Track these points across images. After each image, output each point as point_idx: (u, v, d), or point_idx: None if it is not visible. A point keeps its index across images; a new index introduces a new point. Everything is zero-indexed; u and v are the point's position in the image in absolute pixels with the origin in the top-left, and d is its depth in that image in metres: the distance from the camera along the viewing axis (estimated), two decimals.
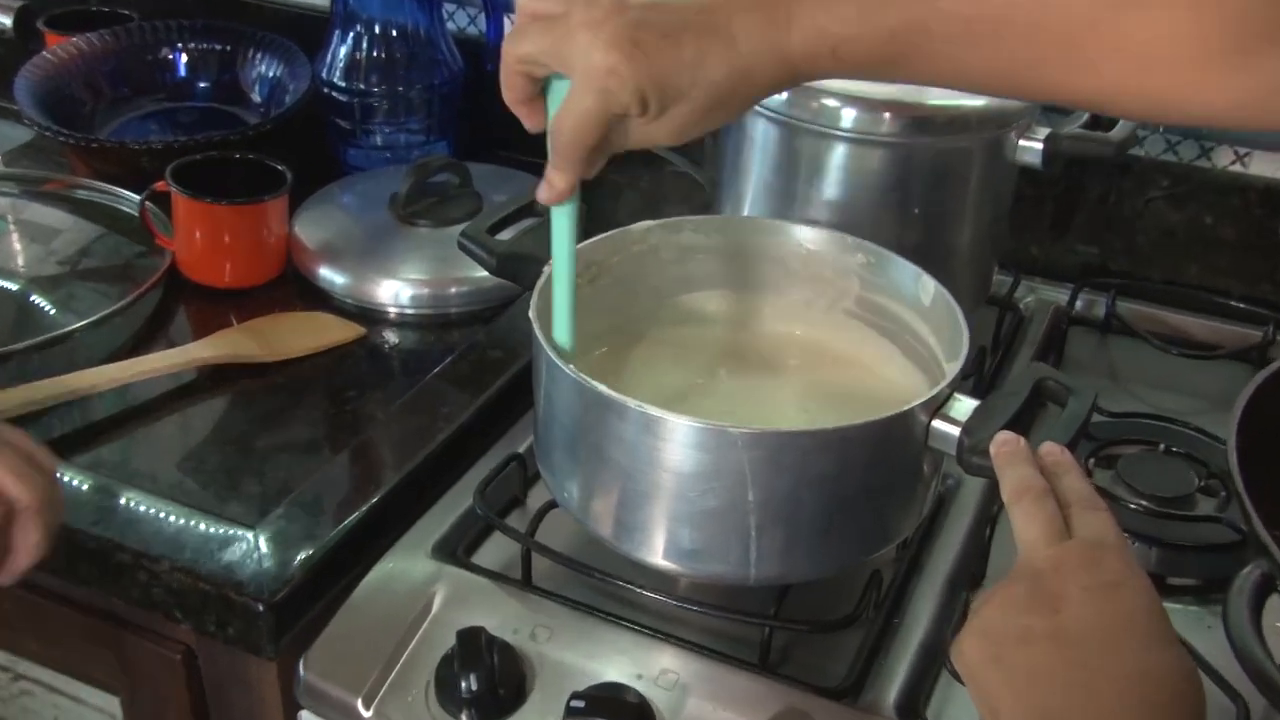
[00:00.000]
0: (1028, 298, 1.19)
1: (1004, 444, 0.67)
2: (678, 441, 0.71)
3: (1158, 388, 1.09)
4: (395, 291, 1.10)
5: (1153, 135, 1.16)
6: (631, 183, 1.34)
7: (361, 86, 1.28)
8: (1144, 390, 1.09)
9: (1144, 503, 0.89)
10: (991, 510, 0.88)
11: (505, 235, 0.89)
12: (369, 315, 1.09)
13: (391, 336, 1.07)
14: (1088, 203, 1.20)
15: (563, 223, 0.75)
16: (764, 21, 0.65)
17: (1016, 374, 0.77)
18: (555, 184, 0.70)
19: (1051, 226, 1.22)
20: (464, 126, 1.35)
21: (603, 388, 0.72)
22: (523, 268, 0.86)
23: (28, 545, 0.69)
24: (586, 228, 0.91)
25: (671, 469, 0.72)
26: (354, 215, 1.18)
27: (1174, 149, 1.17)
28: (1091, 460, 0.94)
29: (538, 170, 1.25)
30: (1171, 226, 1.18)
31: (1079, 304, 1.15)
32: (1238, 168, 1.15)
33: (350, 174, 1.28)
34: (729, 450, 0.70)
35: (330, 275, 1.11)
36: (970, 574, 0.86)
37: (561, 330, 0.78)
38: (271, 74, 1.39)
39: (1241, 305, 1.15)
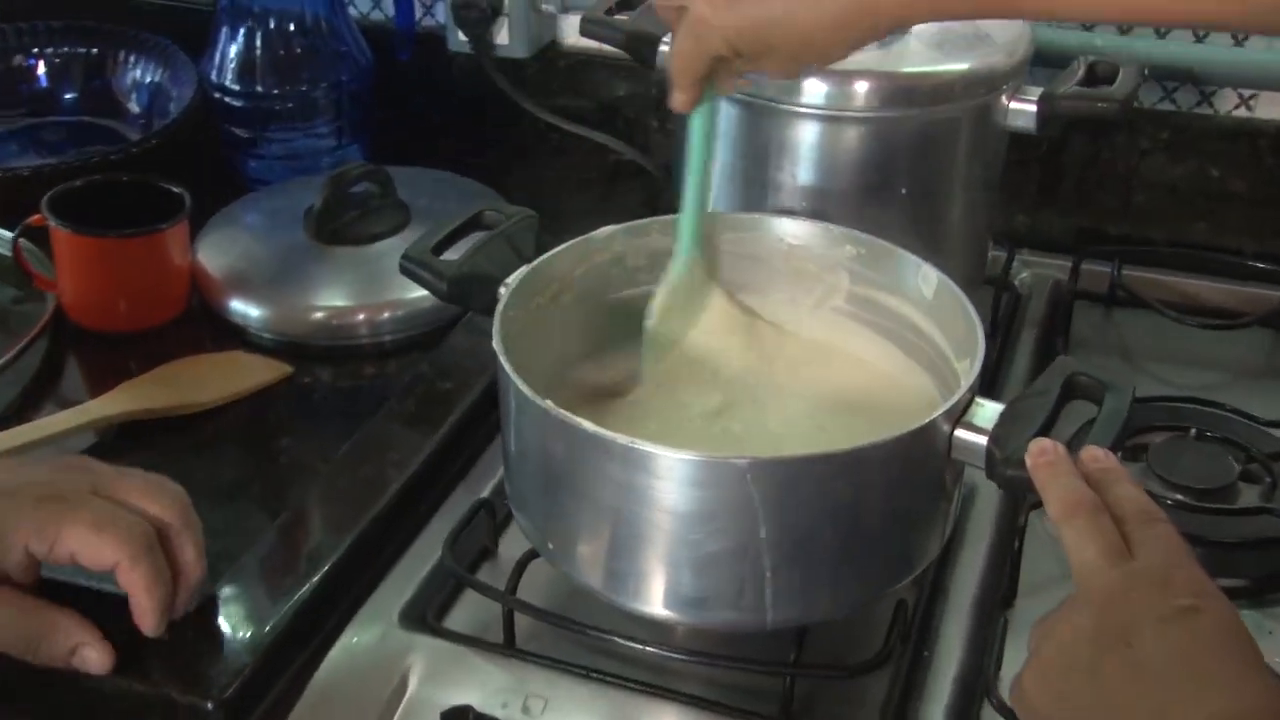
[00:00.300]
0: (1022, 274, 1.20)
1: (1042, 454, 0.68)
2: (675, 479, 0.71)
3: (1176, 363, 1.10)
4: (321, 321, 1.08)
5: (1145, 83, 1.17)
6: (572, 176, 1.33)
7: (258, 88, 1.26)
8: (1161, 367, 1.10)
9: (1179, 496, 0.90)
10: (1018, 520, 0.88)
11: (452, 254, 0.87)
12: (293, 350, 1.07)
13: (322, 373, 1.06)
14: (1077, 163, 1.21)
15: (695, 125, 0.86)
16: None
17: (1025, 370, 0.76)
18: (675, 99, 0.84)
19: (1039, 192, 1.24)
20: (378, 127, 1.33)
21: (585, 423, 0.71)
22: (477, 290, 0.85)
23: (190, 561, 0.76)
24: (540, 239, 0.91)
25: (669, 509, 0.72)
26: (264, 237, 1.16)
27: (1170, 96, 1.18)
28: (1118, 452, 0.94)
29: (464, 169, 1.28)
30: (1173, 182, 1.20)
31: (1079, 276, 1.16)
32: (1243, 112, 1.17)
33: (254, 189, 1.26)
34: (735, 484, 0.70)
35: (243, 308, 1.09)
36: (1001, 593, 0.86)
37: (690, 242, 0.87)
38: (150, 79, 1.37)
39: (1259, 264, 1.16)
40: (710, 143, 0.86)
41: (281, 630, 0.80)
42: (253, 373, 1.04)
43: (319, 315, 1.08)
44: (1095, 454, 0.67)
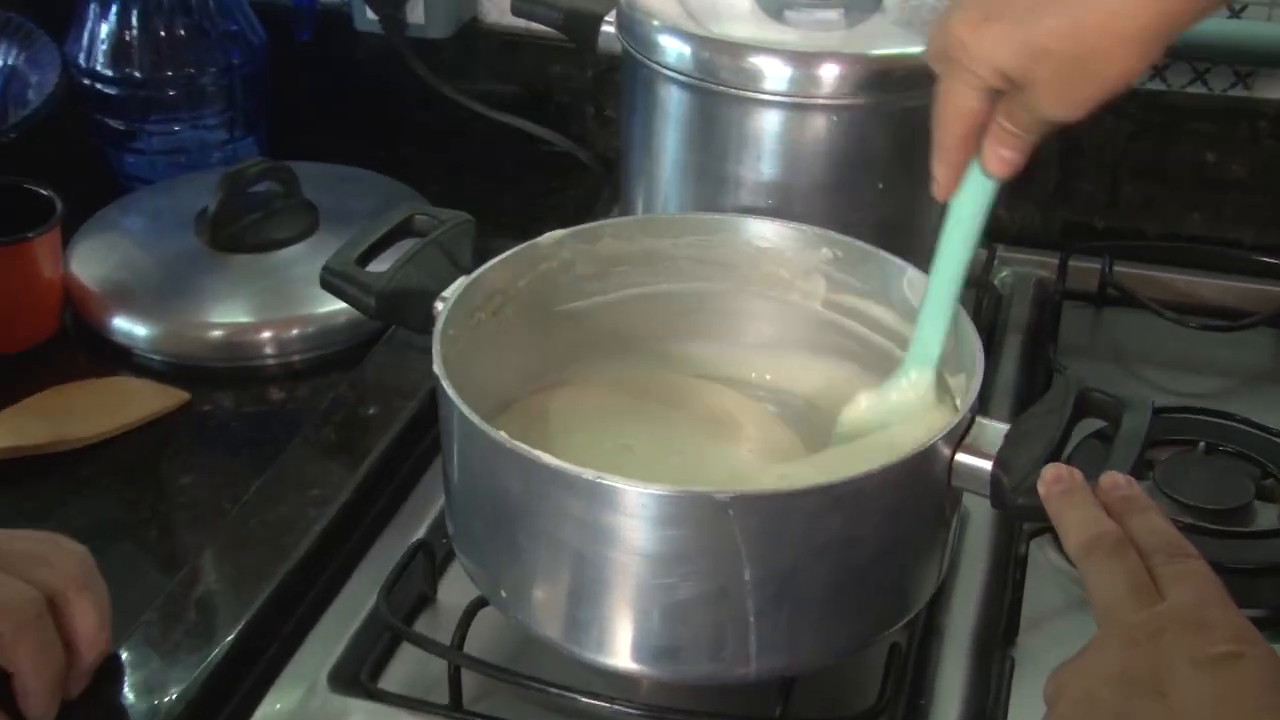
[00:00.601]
0: (1003, 272, 1.21)
1: (1057, 481, 0.68)
2: (647, 516, 0.70)
3: (1176, 369, 1.12)
4: (219, 340, 1.07)
5: None
6: (499, 172, 1.32)
7: (135, 74, 1.24)
8: (1159, 373, 1.12)
9: (1192, 519, 0.91)
10: (1017, 549, 0.89)
11: (379, 265, 0.86)
12: (189, 374, 1.05)
13: (224, 399, 1.04)
14: (1058, 150, 1.23)
15: (959, 206, 0.79)
16: None
17: (1052, 387, 0.77)
18: (937, 177, 0.78)
19: (1017, 182, 1.23)
20: (275, 118, 1.32)
21: (544, 457, 0.71)
22: (409, 306, 0.84)
23: (88, 631, 0.73)
24: (475, 245, 0.90)
25: (641, 551, 0.71)
26: (148, 244, 1.15)
27: (1160, 74, 1.20)
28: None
29: (376, 165, 1.26)
30: (1164, 169, 1.22)
31: (1067, 274, 1.18)
32: (1240, 90, 1.19)
33: (133, 189, 1.25)
34: (716, 521, 0.70)
35: (128, 326, 1.08)
36: (1001, 631, 0.87)
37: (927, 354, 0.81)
38: (3, 63, 1.33)
39: (1264, 258, 1.18)
40: (972, 237, 0.79)
41: (192, 699, 0.79)
42: (142, 401, 1.02)
43: (217, 333, 1.07)
44: (1116, 480, 0.67)
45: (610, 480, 0.70)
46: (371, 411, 1.00)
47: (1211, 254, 1.19)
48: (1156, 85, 1.21)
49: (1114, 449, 0.72)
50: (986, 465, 0.73)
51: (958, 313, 0.81)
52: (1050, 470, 0.69)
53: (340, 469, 0.94)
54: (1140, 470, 0.93)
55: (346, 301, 0.85)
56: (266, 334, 1.07)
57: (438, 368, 0.77)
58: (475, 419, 0.73)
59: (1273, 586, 0.89)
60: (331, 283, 0.85)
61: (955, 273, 0.80)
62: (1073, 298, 1.18)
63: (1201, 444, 0.97)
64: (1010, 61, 0.70)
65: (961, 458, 0.74)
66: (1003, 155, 0.75)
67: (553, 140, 1.31)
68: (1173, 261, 1.19)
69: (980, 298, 1.14)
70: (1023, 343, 1.13)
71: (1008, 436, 0.74)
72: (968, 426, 0.75)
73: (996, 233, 1.22)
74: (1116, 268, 1.18)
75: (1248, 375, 1.09)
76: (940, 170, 0.77)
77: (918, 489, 0.74)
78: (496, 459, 0.74)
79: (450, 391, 0.75)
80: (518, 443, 0.72)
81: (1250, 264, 1.18)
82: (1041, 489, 0.69)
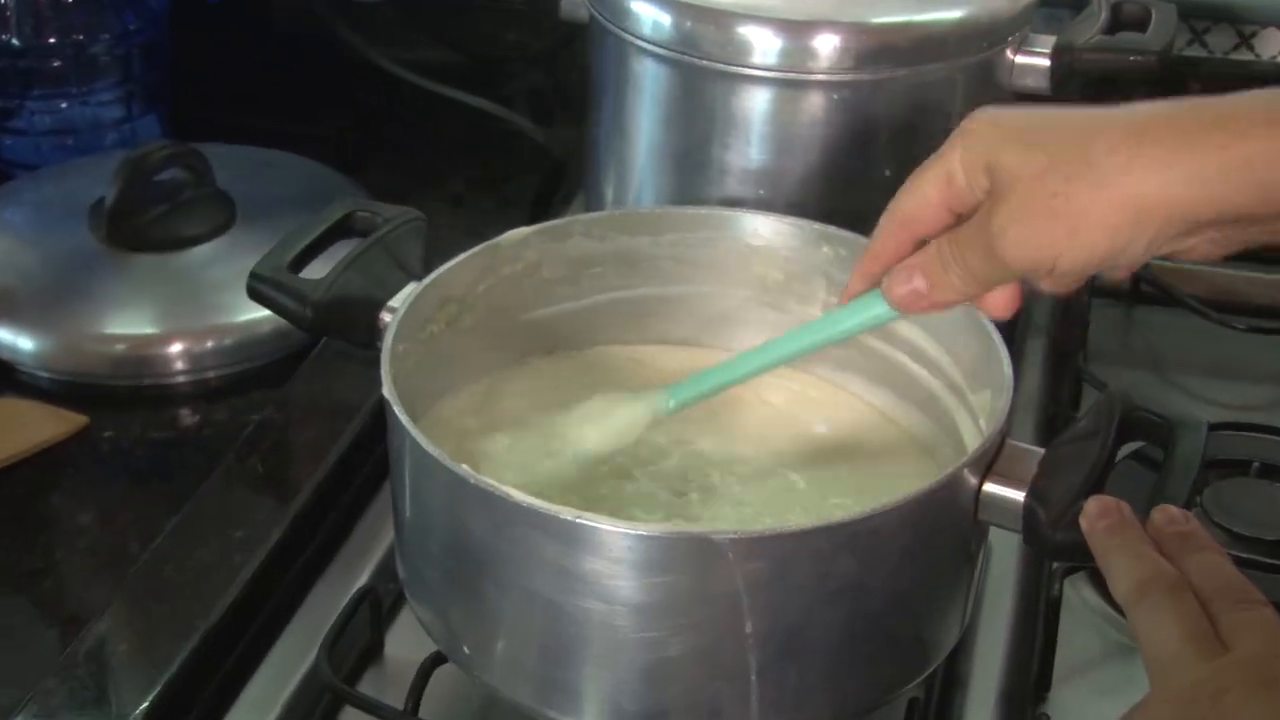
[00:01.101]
0: None
1: (1103, 514, 0.69)
2: (634, 561, 0.71)
3: (1220, 377, 1.14)
4: (121, 354, 1.07)
5: None
6: (441, 155, 1.32)
7: (14, 41, 1.24)
8: (1201, 382, 1.13)
9: (1243, 551, 0.93)
10: (1050, 589, 0.90)
11: (315, 270, 0.86)
12: (86, 394, 1.05)
13: (129, 424, 1.04)
14: None
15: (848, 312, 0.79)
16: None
17: (1093, 405, 0.78)
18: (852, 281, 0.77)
19: None
20: (179, 93, 1.32)
21: (514, 493, 0.71)
22: (352, 318, 0.84)
23: None
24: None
25: (626, 601, 0.72)
26: (33, 240, 1.15)
27: (1201, 39, 1.23)
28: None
29: (299, 147, 1.26)
30: None
31: None
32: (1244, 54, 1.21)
33: (14, 176, 1.25)
34: (714, 566, 0.70)
35: (10, 338, 1.08)
36: (1031, 682, 0.88)
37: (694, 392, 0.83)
38: None
39: None
40: (840, 337, 0.80)
41: None
42: (30, 427, 1.02)
43: (118, 346, 1.07)
44: (1171, 515, 0.68)
45: (592, 521, 0.70)
46: (303, 436, 1.00)
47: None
48: (1197, 51, 1.23)
49: (1167, 477, 0.73)
50: (1019, 495, 0.74)
51: (982, 327, 0.82)
52: (1094, 504, 0.70)
53: (269, 505, 0.95)
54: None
55: (279, 313, 0.85)
56: (176, 347, 1.07)
57: (387, 390, 0.77)
58: (433, 450, 0.73)
59: None
60: (261, 291, 0.85)
61: (785, 353, 0.81)
62: (1103, 295, 1.19)
63: (1256, 464, 0.98)
64: (1006, 159, 0.69)
65: (990, 487, 0.75)
66: (916, 287, 0.74)
67: (504, 118, 1.31)
68: None
69: None
70: (1045, 348, 1.14)
71: (1042, 463, 0.75)
72: (997, 450, 0.76)
73: None
74: (1152, 260, 1.18)
75: None
76: (854, 275, 0.77)
77: (940, 523, 0.75)
78: (456, 496, 0.74)
79: (403, 419, 0.75)
80: (483, 478, 0.72)
81: None
82: (1085, 524, 0.69)
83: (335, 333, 0.86)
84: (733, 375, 0.83)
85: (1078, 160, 0.66)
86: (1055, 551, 0.73)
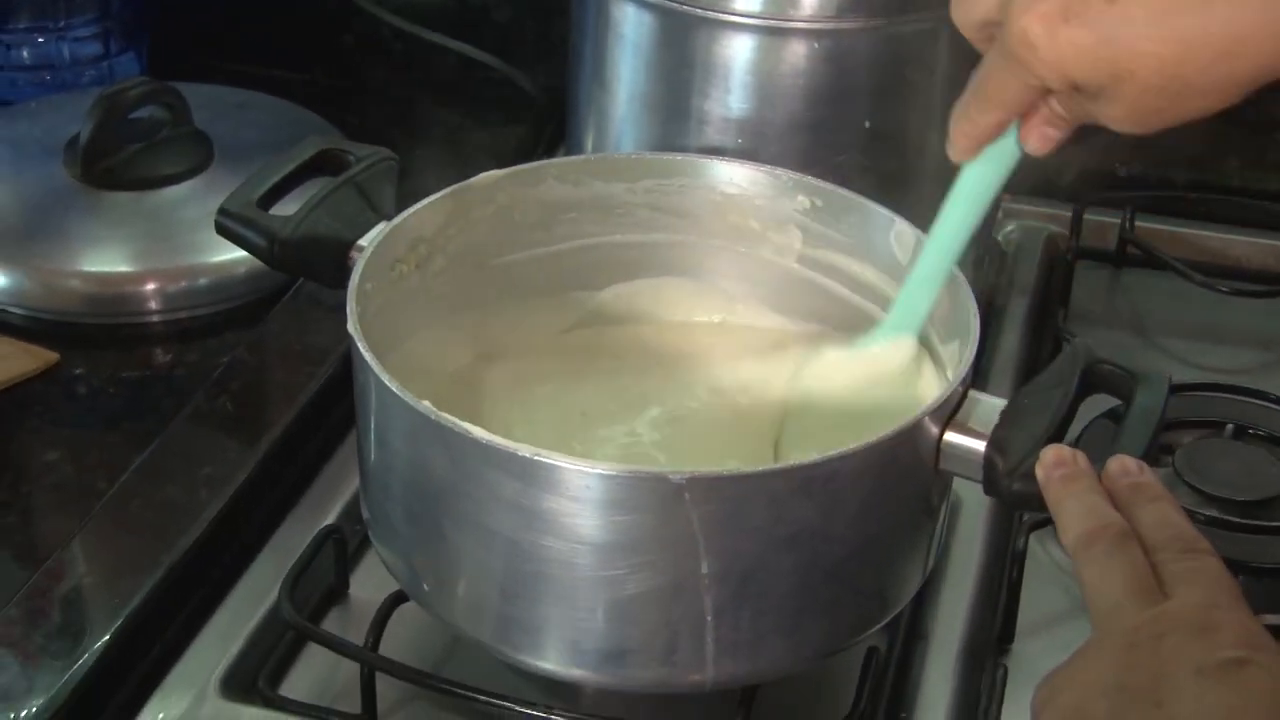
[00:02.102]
0: (1009, 227, 1.24)
1: (1059, 464, 0.71)
2: (594, 499, 0.73)
3: (1203, 339, 1.16)
4: (94, 292, 1.09)
5: None
6: (423, 99, 1.34)
7: None
8: (1183, 345, 1.16)
9: (1214, 511, 0.95)
10: (1015, 543, 0.92)
11: (285, 208, 0.88)
12: (57, 332, 1.07)
13: (100, 362, 1.06)
14: None
15: (970, 176, 0.81)
16: None
17: (1058, 358, 0.80)
18: (956, 140, 0.79)
19: None
20: (159, 30, 1.33)
21: (475, 430, 0.73)
22: (319, 256, 0.86)
23: None
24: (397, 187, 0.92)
25: (585, 540, 0.74)
26: (7, 177, 1.16)
27: None
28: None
29: (279, 89, 1.28)
30: None
31: (1081, 230, 1.21)
32: None
33: None
34: (670, 506, 0.72)
35: None
36: (994, 635, 0.90)
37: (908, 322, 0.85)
38: None
39: None
40: (983, 205, 0.82)
41: (57, 709, 0.81)
42: (1, 362, 1.04)
43: (91, 284, 1.09)
44: (1126, 465, 0.70)
45: (551, 458, 0.72)
46: (275, 377, 1.02)
47: (1249, 207, 1.23)
48: None
49: (1124, 429, 0.75)
50: (980, 445, 0.76)
51: (953, 276, 0.84)
52: (1051, 452, 0.72)
53: (237, 444, 0.97)
54: (1157, 455, 0.97)
55: (245, 249, 0.87)
56: (150, 286, 1.09)
57: (352, 327, 0.79)
58: (395, 387, 0.75)
59: None
60: (228, 227, 0.87)
61: (954, 244, 0.83)
62: (1088, 257, 1.22)
63: (1229, 426, 1.01)
64: (1086, 74, 0.70)
65: (951, 436, 0.77)
66: (1048, 134, 0.77)
67: (488, 63, 1.33)
68: (1204, 216, 1.23)
69: (981, 255, 1.17)
70: (1029, 308, 1.16)
71: (1004, 413, 0.77)
72: (959, 401, 0.78)
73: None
74: (1139, 222, 1.21)
75: None
76: (961, 135, 0.79)
77: (901, 472, 0.77)
78: (419, 433, 0.76)
79: (367, 355, 0.77)
80: (444, 414, 0.74)
81: None
82: (1040, 473, 0.72)
83: (303, 270, 0.88)
84: (931, 275, 0.84)
85: None
86: (1012, 500, 0.75)
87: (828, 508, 0.75)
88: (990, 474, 0.76)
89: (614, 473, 0.72)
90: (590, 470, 0.72)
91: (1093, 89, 0.71)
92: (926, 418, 0.76)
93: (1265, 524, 0.94)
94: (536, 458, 0.72)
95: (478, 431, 0.73)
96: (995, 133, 0.78)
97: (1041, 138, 0.77)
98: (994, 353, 1.11)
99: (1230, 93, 0.70)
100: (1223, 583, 0.64)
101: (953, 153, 0.80)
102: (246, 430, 0.98)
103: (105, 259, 1.10)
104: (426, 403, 0.75)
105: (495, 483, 0.74)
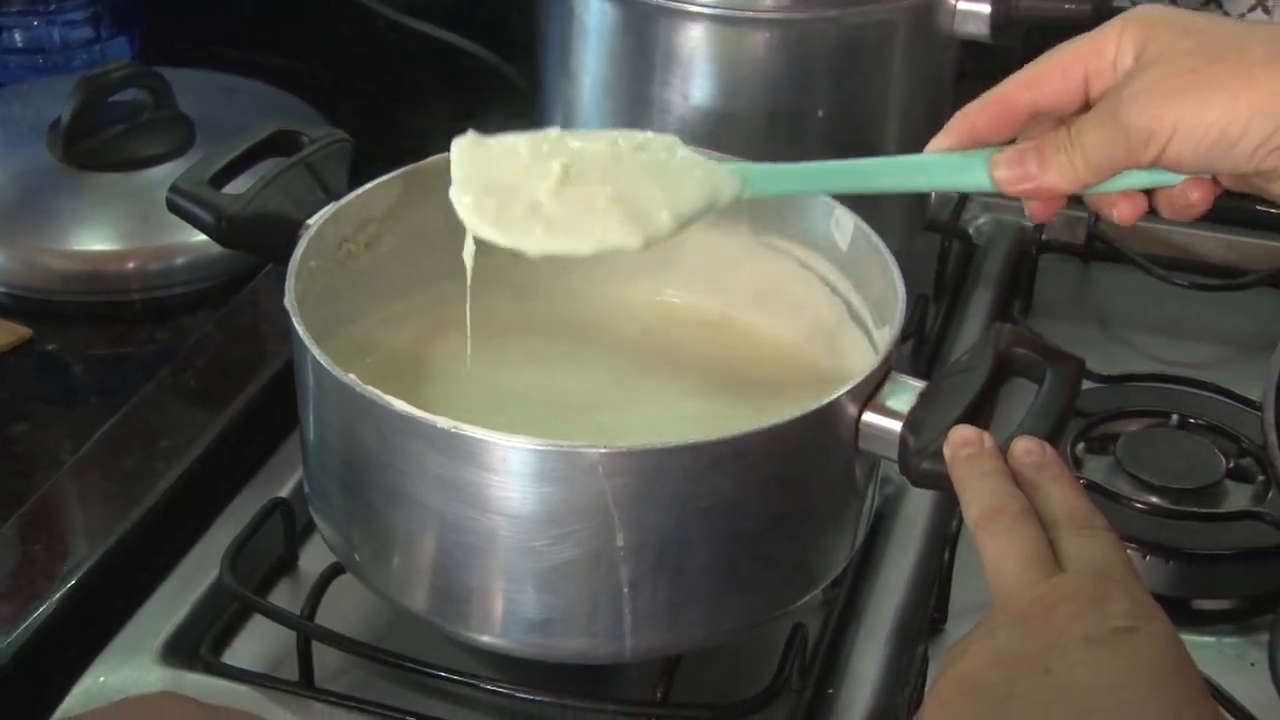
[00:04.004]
0: (980, 219, 1.25)
1: (963, 445, 0.72)
2: (513, 472, 0.74)
3: (1164, 334, 1.16)
4: (73, 270, 1.11)
5: None
6: (411, 88, 1.35)
7: None
8: (1146, 339, 1.16)
9: (1155, 499, 0.96)
10: (950, 527, 0.93)
11: (237, 186, 0.90)
12: (35, 308, 1.09)
13: (74, 338, 1.08)
14: None
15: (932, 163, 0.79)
16: None
17: (974, 341, 0.81)
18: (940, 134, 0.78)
19: None
20: (152, 16, 1.35)
21: (397, 403, 0.74)
22: (269, 234, 0.88)
23: None
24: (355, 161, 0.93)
25: (506, 511, 0.75)
26: None
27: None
28: (1081, 444, 1.00)
29: (269, 76, 1.29)
30: None
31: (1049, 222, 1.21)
32: (1259, 14, 1.22)
33: None
34: (585, 479, 0.73)
35: None
36: (927, 617, 0.91)
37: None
38: None
39: (1269, 210, 1.21)
40: (912, 188, 0.85)
41: (3, 667, 0.82)
42: None
43: (68, 262, 1.11)
44: (1028, 447, 0.71)
45: (469, 431, 0.74)
46: (241, 354, 1.04)
47: (1215, 204, 1.22)
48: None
49: (1031, 411, 0.75)
50: (896, 426, 0.77)
51: (884, 261, 0.84)
52: (957, 433, 0.73)
53: (198, 418, 0.99)
54: (1104, 444, 0.98)
55: (195, 225, 0.89)
56: (125, 265, 1.11)
57: (289, 303, 0.80)
58: (323, 359, 0.77)
59: (1239, 575, 0.93)
60: (178, 203, 0.89)
61: (861, 183, 0.81)
62: (1058, 250, 1.22)
63: (1174, 417, 1.01)
64: (1159, 38, 0.71)
65: (870, 417, 0.78)
66: (1028, 170, 0.75)
67: (475, 53, 1.34)
68: None
69: (947, 246, 1.18)
70: (994, 300, 1.17)
71: (923, 395, 0.78)
72: (879, 382, 0.79)
73: None
74: None
75: (1242, 342, 1.13)
76: (953, 125, 0.78)
77: (819, 450, 0.78)
78: (348, 407, 0.78)
79: (300, 329, 0.79)
80: (369, 388, 0.75)
81: (1254, 215, 1.21)
82: (947, 452, 0.73)
83: (253, 249, 0.90)
84: (810, 183, 0.83)
85: (1229, 47, 0.69)
86: (920, 479, 0.75)
87: (743, 483, 0.76)
88: (903, 452, 0.77)
89: (531, 446, 0.74)
90: (507, 443, 0.74)
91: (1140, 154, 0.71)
92: (844, 397, 0.77)
93: (1200, 511, 0.95)
94: (456, 430, 0.74)
95: (399, 404, 0.74)
96: (976, 141, 0.77)
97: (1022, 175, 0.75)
98: (955, 343, 1.12)
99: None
100: (1115, 555, 0.66)
101: (940, 141, 0.79)
102: (207, 405, 0.99)
103: (82, 238, 1.12)
104: (352, 376, 0.76)
105: (419, 455, 0.76)
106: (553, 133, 0.79)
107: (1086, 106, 0.73)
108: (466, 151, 0.78)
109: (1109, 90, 0.72)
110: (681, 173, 0.79)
